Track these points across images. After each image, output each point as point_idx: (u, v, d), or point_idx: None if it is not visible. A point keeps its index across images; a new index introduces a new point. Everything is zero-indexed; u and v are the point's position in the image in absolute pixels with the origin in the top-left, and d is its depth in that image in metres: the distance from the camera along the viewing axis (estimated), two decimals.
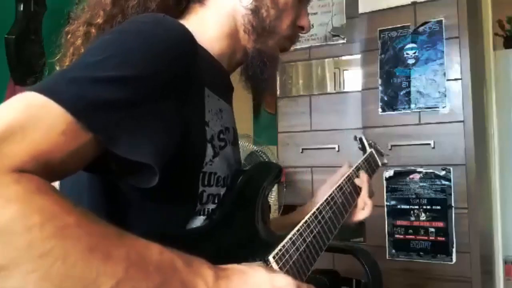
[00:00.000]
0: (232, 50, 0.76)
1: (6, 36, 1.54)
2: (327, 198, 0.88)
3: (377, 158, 1.18)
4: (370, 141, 1.21)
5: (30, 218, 0.39)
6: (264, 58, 0.76)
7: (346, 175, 0.99)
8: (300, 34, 0.83)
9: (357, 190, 1.01)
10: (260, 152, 2.32)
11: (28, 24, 1.58)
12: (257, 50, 0.76)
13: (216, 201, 0.67)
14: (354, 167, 1.04)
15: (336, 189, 0.93)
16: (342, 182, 0.96)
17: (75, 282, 0.41)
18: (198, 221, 0.65)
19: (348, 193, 0.97)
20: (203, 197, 0.65)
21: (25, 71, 1.57)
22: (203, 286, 0.50)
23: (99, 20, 0.69)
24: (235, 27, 0.75)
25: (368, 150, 1.17)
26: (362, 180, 1.01)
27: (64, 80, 0.49)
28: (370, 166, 1.13)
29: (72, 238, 0.41)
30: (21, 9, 1.56)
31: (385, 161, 1.23)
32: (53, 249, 0.40)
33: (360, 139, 1.21)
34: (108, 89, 0.48)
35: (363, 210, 1.00)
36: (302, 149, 2.21)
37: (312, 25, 2.24)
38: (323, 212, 0.84)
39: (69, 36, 0.72)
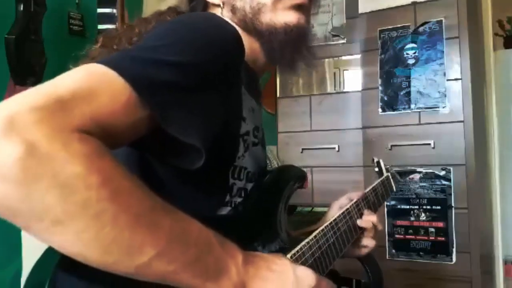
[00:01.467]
0: (253, 52, 0.75)
1: (6, 36, 1.54)
2: (343, 212, 0.90)
3: (393, 183, 1.20)
4: (388, 166, 1.23)
5: (90, 177, 0.41)
6: (267, 35, 0.72)
7: (363, 194, 1.00)
8: None
9: (372, 211, 1.02)
10: None
11: (28, 24, 1.57)
12: (259, 33, 0.73)
13: (242, 195, 0.70)
14: (371, 187, 1.06)
15: (353, 205, 0.94)
16: (359, 200, 0.97)
17: (120, 246, 0.43)
18: (224, 211, 0.67)
19: (363, 211, 0.98)
20: (233, 190, 0.67)
21: (25, 71, 1.57)
22: (234, 267, 0.53)
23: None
24: (239, 24, 0.74)
25: (385, 174, 1.19)
26: (368, 220, 0.96)
27: (127, 58, 0.51)
28: (386, 189, 1.14)
29: (124, 204, 0.43)
30: (21, 9, 1.56)
31: (398, 188, 1.25)
32: (106, 211, 0.41)
33: (378, 163, 1.22)
34: (167, 71, 0.51)
35: (364, 248, 0.98)
36: (302, 149, 2.21)
37: (312, 25, 2.24)
38: (339, 224, 0.86)
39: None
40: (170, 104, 0.50)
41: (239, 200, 0.69)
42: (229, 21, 0.69)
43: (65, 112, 0.42)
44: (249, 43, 0.75)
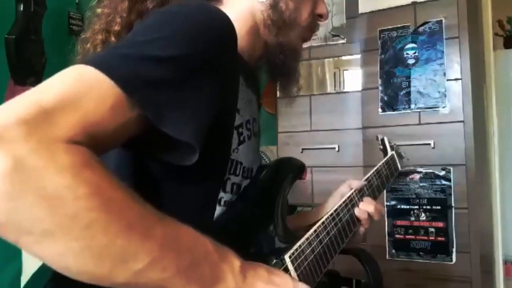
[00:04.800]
0: (252, 47, 0.77)
1: (6, 36, 1.54)
2: (345, 200, 0.87)
3: (398, 162, 1.15)
4: (392, 143, 1.18)
5: (78, 188, 0.41)
6: (285, 51, 0.77)
7: (365, 178, 0.98)
8: (320, 23, 0.84)
9: (375, 195, 0.99)
10: (260, 152, 2.32)
11: (28, 24, 1.57)
12: (278, 43, 0.76)
13: (237, 192, 0.68)
14: (374, 169, 1.03)
15: (355, 191, 0.92)
16: (362, 185, 0.95)
17: (113, 255, 0.43)
18: (218, 211, 0.66)
19: (366, 196, 0.95)
20: (226, 185, 0.66)
21: (25, 71, 1.57)
22: (230, 274, 0.52)
23: (117, 28, 0.70)
24: (255, 24, 0.76)
25: (390, 152, 1.14)
26: (364, 211, 0.94)
27: (115, 56, 0.50)
28: (390, 169, 1.11)
29: (115, 213, 0.43)
30: (21, 9, 1.56)
31: (404, 165, 1.20)
32: (96, 221, 0.41)
33: (382, 140, 1.17)
34: (156, 68, 0.49)
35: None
36: (302, 149, 2.21)
37: None
38: (341, 214, 0.83)
39: (88, 44, 0.72)
40: (163, 102, 0.49)
41: (234, 197, 0.67)
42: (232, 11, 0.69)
43: (50, 123, 0.42)
44: (252, 39, 0.76)
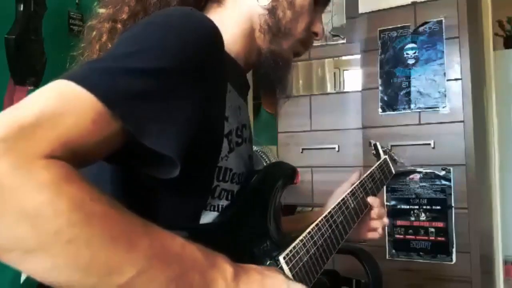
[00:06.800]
0: (248, 51, 0.77)
1: (6, 36, 1.54)
2: (339, 203, 0.88)
3: (391, 166, 1.17)
4: (385, 148, 1.20)
5: (59, 204, 0.40)
6: (277, 59, 0.77)
7: (359, 181, 0.98)
8: (314, 41, 0.85)
9: None
10: (260, 152, 2.32)
11: (28, 24, 1.57)
12: (271, 50, 0.77)
13: (229, 198, 0.68)
14: (367, 173, 1.03)
15: (348, 194, 0.92)
16: (355, 188, 0.96)
17: (99, 268, 0.42)
18: (210, 217, 0.65)
19: (360, 198, 0.96)
20: (215, 191, 0.65)
21: (25, 71, 1.57)
22: (222, 281, 0.51)
23: (124, 16, 0.70)
24: (251, 27, 0.76)
25: (383, 156, 1.16)
26: (374, 200, 1.00)
27: (95, 70, 0.49)
28: (384, 173, 1.12)
29: (98, 226, 0.42)
30: (21, 9, 1.56)
31: (400, 168, 1.22)
32: (79, 235, 0.41)
33: (375, 145, 1.19)
34: (138, 80, 0.49)
35: (373, 232, 1.01)
36: (302, 149, 2.21)
37: None
38: (335, 216, 0.84)
39: (94, 32, 0.72)
40: (144, 114, 0.49)
41: (225, 203, 0.67)
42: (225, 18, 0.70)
43: (28, 139, 0.41)
44: (249, 43, 0.76)
